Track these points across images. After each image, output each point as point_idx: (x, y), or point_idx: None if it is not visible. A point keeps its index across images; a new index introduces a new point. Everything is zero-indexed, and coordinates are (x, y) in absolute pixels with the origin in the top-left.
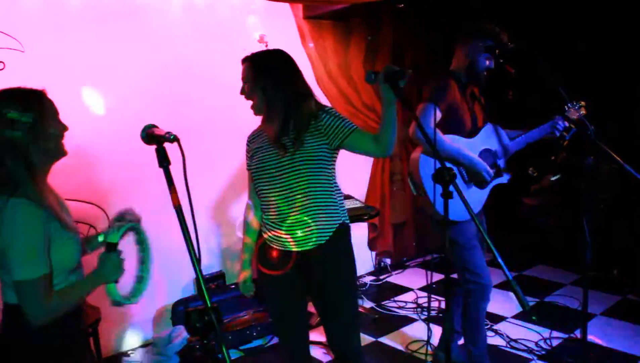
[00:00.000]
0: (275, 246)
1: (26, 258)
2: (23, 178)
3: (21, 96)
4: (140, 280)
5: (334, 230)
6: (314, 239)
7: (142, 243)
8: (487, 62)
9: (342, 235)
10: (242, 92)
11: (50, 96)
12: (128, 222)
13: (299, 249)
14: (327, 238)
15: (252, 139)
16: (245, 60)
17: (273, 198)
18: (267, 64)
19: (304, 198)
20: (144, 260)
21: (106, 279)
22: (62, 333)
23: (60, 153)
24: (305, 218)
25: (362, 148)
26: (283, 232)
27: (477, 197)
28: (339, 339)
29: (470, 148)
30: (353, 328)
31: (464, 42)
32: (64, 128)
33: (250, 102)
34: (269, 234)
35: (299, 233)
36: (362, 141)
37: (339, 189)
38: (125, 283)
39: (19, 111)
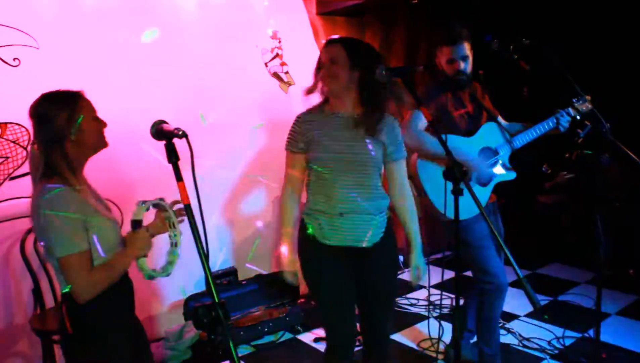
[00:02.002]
0: (326, 242)
1: (65, 236)
2: (61, 167)
3: (60, 97)
4: (171, 253)
5: (386, 225)
6: (374, 234)
7: (168, 219)
8: (451, 66)
9: (390, 227)
10: (325, 71)
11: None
12: (151, 201)
13: (358, 245)
14: (382, 234)
15: (309, 119)
16: (335, 41)
17: (338, 188)
18: (363, 49)
19: (369, 190)
20: (172, 235)
21: (136, 255)
22: (111, 309)
23: (100, 145)
24: (369, 212)
25: (389, 179)
26: (339, 226)
27: (479, 195)
28: (380, 327)
29: (467, 146)
30: (391, 314)
31: (436, 50)
32: (102, 124)
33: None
34: (322, 229)
35: (360, 228)
36: (397, 178)
37: None
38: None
39: (57, 110)
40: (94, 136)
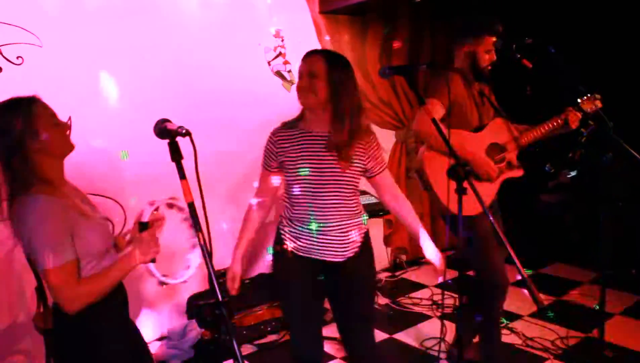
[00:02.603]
0: (301, 254)
1: (49, 247)
2: (31, 177)
3: (10, 105)
4: (191, 257)
5: (363, 240)
6: (347, 250)
7: (187, 219)
8: (488, 56)
9: (367, 241)
10: (303, 83)
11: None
12: (160, 201)
13: (330, 259)
14: (358, 248)
15: (283, 138)
16: (315, 52)
17: (310, 206)
18: (340, 62)
19: (344, 209)
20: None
21: (141, 260)
22: (107, 320)
23: (65, 149)
24: (343, 229)
25: (377, 190)
26: (314, 241)
27: (485, 191)
28: (358, 337)
29: (475, 142)
30: (372, 326)
31: (460, 41)
32: (64, 128)
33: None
34: (297, 242)
35: (334, 244)
36: (384, 185)
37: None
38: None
39: (9, 120)
40: (58, 142)
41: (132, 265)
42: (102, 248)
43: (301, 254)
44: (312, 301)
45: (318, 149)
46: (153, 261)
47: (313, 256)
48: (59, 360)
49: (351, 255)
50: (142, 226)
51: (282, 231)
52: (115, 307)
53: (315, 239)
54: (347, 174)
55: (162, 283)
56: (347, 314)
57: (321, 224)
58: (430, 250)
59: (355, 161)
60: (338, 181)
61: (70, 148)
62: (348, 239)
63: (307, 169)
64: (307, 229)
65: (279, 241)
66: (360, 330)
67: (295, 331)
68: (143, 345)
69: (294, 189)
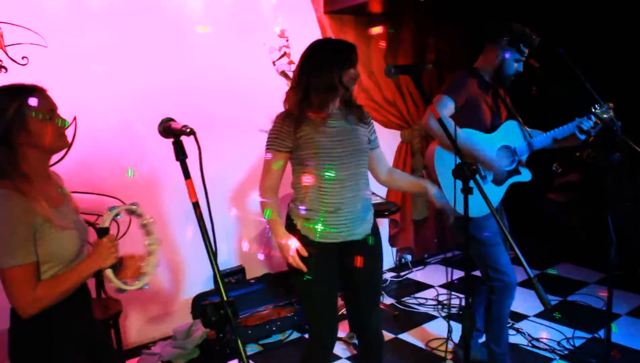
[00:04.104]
0: (319, 240)
1: (6, 246)
2: (8, 169)
3: (10, 91)
4: (147, 263)
5: (373, 220)
6: (365, 228)
7: (144, 225)
8: (516, 66)
9: (376, 222)
10: (354, 76)
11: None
12: (120, 207)
13: (352, 238)
14: (372, 224)
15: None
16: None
17: (334, 183)
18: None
19: (364, 181)
20: (147, 243)
21: (99, 265)
22: (61, 323)
23: (55, 146)
24: (363, 205)
25: (376, 165)
26: (336, 219)
27: (493, 194)
28: (371, 316)
29: (488, 143)
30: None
31: (496, 42)
32: (56, 123)
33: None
34: (316, 227)
35: (355, 223)
36: (381, 160)
37: None
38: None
39: (3, 105)
40: (48, 137)
41: (91, 270)
42: (68, 255)
43: (318, 238)
44: (333, 289)
45: (334, 121)
46: (113, 267)
47: (332, 240)
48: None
49: (368, 232)
50: (102, 232)
51: (296, 217)
52: (72, 310)
53: (335, 218)
54: (365, 138)
55: (119, 290)
56: (364, 292)
57: (342, 201)
58: (434, 193)
59: (367, 127)
60: (359, 149)
61: (62, 145)
62: (367, 214)
63: (326, 142)
64: (325, 209)
65: (291, 227)
66: (374, 308)
67: (321, 318)
68: (106, 350)
69: (314, 167)
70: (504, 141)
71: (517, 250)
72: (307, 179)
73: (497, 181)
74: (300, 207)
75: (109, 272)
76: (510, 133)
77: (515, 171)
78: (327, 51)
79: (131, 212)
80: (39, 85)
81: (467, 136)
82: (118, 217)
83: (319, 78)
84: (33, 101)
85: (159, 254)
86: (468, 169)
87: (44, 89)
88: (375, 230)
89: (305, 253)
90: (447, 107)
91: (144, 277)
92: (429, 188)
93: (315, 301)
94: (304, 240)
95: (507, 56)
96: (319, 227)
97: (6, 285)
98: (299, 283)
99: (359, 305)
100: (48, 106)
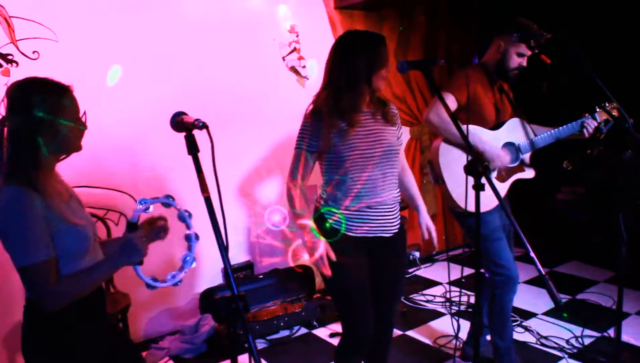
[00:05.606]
0: (351, 234)
1: (26, 243)
2: (29, 165)
3: (46, 86)
4: (183, 260)
5: (401, 218)
6: (395, 225)
7: (182, 219)
8: (519, 60)
9: (402, 220)
10: (385, 74)
11: (79, 88)
12: (151, 201)
13: (383, 235)
14: (400, 221)
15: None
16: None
17: (366, 180)
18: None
19: (394, 180)
20: (187, 238)
21: (126, 262)
22: (81, 320)
23: (73, 148)
24: (394, 201)
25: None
26: (369, 217)
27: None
28: (390, 315)
29: (492, 139)
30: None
31: (499, 36)
32: (81, 127)
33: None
34: (347, 223)
35: (387, 217)
36: (402, 159)
37: None
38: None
39: (38, 101)
40: (70, 139)
41: (117, 267)
42: (80, 251)
43: (350, 233)
44: (367, 282)
45: (367, 120)
46: (140, 263)
47: (363, 235)
48: (27, 356)
49: (397, 230)
50: (131, 227)
51: (327, 213)
52: (86, 306)
53: (367, 215)
54: (398, 139)
55: (150, 287)
56: (388, 291)
57: (374, 199)
58: (424, 221)
59: (393, 126)
60: (392, 150)
61: (78, 148)
62: (396, 212)
63: (361, 141)
64: (357, 206)
65: (321, 222)
66: (394, 308)
67: (359, 312)
68: (125, 347)
69: (347, 165)
70: (508, 138)
71: (527, 247)
72: (339, 178)
73: (500, 178)
74: (330, 203)
75: (137, 269)
76: (515, 130)
77: (519, 168)
78: (358, 52)
79: (167, 205)
80: (71, 85)
81: (472, 131)
82: (148, 212)
83: (349, 80)
84: (68, 102)
85: (196, 249)
86: (481, 164)
87: (73, 89)
88: (402, 228)
89: (333, 257)
90: (450, 103)
91: (179, 273)
92: (421, 216)
93: (350, 294)
94: (333, 234)
95: (508, 49)
96: (345, 222)
97: (30, 281)
98: (333, 277)
99: (379, 302)
100: (77, 107)
